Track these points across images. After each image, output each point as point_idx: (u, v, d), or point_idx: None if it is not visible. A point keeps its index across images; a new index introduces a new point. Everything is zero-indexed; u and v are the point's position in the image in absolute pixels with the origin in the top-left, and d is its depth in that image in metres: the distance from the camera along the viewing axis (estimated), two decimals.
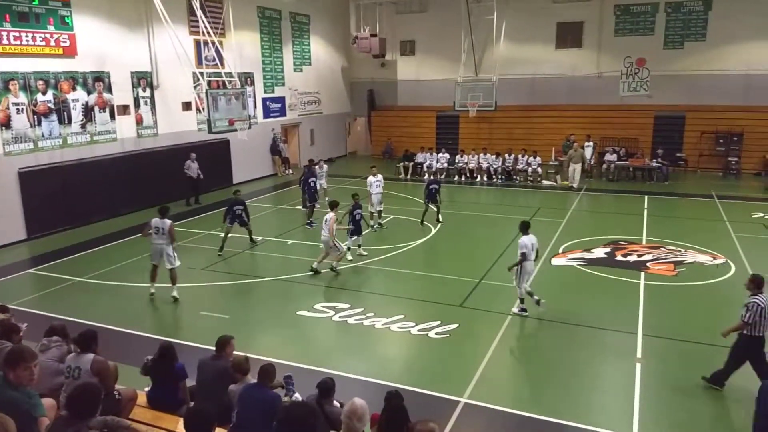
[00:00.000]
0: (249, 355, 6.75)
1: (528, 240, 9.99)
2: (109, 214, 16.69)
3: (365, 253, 13.47)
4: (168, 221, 11.03)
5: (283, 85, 25.39)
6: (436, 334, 9.29)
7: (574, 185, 21.20)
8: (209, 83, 18.42)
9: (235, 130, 18.11)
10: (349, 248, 13.11)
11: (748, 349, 7.18)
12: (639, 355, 8.60)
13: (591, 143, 23.56)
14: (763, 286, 7.20)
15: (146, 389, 6.44)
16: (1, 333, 5.96)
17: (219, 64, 19.69)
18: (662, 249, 13.70)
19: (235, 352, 6.39)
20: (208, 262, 13.27)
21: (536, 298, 10.04)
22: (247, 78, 22.61)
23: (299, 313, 10.27)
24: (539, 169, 22.73)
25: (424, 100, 29.04)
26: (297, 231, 15.92)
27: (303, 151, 27.02)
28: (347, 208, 13.36)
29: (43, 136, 15.35)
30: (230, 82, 18.83)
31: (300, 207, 16.53)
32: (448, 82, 26.59)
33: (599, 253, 13.53)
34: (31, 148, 15.09)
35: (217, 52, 19.49)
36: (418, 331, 9.40)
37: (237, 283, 12.09)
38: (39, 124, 15.24)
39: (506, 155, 23.41)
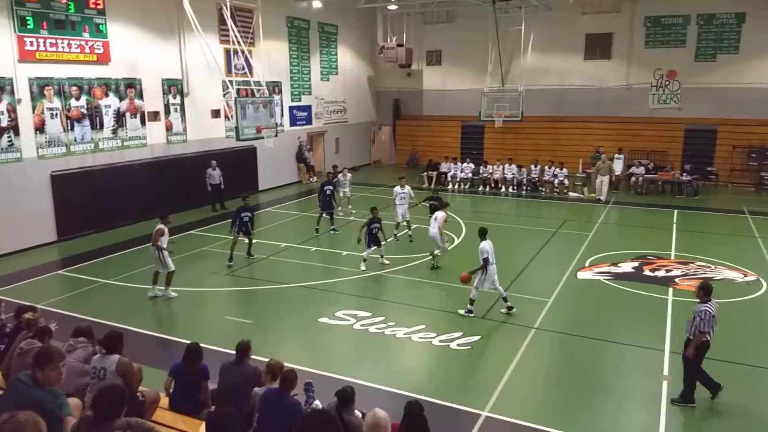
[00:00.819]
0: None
1: (488, 245, 10.38)
2: (138, 218, 16.97)
3: (387, 262, 13.44)
4: (157, 226, 11.20)
5: (310, 93, 25.63)
6: (457, 345, 9.21)
7: (602, 198, 20.91)
8: (238, 91, 18.68)
9: (263, 137, 18.31)
10: (364, 259, 13.10)
11: (703, 352, 7.30)
12: (666, 372, 8.41)
13: (621, 156, 23.23)
14: (711, 294, 7.33)
15: (171, 391, 6.52)
16: (33, 334, 6.10)
17: (248, 72, 19.96)
18: (691, 265, 13.40)
19: (270, 358, 6.42)
20: (233, 266, 13.39)
21: (509, 305, 10.40)
22: (275, 87, 22.89)
23: (320, 320, 10.30)
24: (566, 181, 22.48)
25: (450, 110, 29.01)
26: (320, 238, 15.98)
27: (328, 159, 27.18)
28: (366, 221, 13.35)
29: (75, 140, 15.74)
30: (258, 90, 19.07)
31: (325, 214, 16.59)
32: (474, 92, 26.52)
33: (626, 267, 13.29)
34: (64, 152, 15.48)
35: (247, 60, 19.78)
36: (440, 341, 9.33)
37: (260, 288, 12.18)
38: (72, 128, 15.63)
39: (532, 166, 23.22)
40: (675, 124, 24.59)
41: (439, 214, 13.17)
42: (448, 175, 24.35)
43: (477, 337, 9.45)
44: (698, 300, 7.37)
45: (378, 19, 29.29)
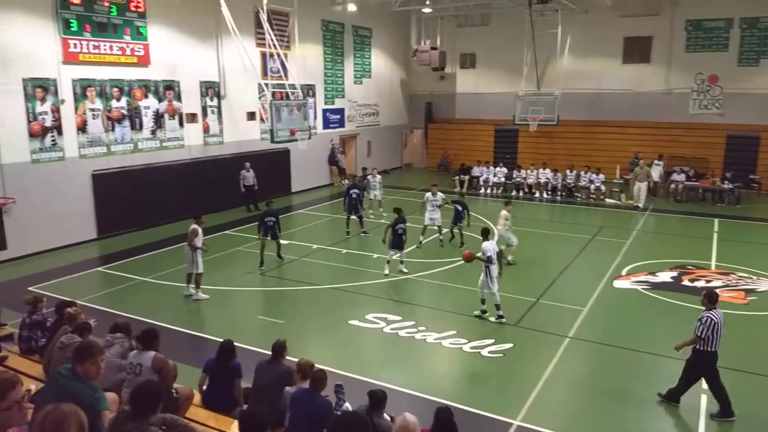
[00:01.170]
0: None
1: (491, 245, 10.36)
2: (175, 217, 17.27)
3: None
4: (191, 227, 11.34)
5: (343, 96, 25.77)
6: (489, 352, 9.09)
7: (640, 205, 20.42)
8: (273, 94, 18.89)
9: (296, 140, 18.47)
10: (388, 261, 13.03)
11: (700, 364, 7.27)
12: (705, 386, 8.12)
13: (660, 162, 22.68)
14: (717, 302, 7.30)
15: (204, 388, 6.61)
16: (73, 329, 6.26)
17: (283, 75, 20.17)
18: (732, 275, 12.97)
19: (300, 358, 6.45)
20: (265, 267, 13.52)
21: (484, 308, 10.39)
22: (309, 89, 23.08)
23: (351, 322, 10.31)
24: (602, 187, 22.05)
25: (483, 113, 28.78)
26: (351, 240, 16.02)
27: (360, 161, 27.25)
28: (391, 222, 13.24)
29: (115, 140, 16.15)
30: (293, 93, 19.26)
31: (353, 216, 16.62)
32: (508, 95, 26.26)
33: (665, 277, 12.94)
34: (105, 151, 15.90)
35: (282, 64, 19.98)
36: (471, 348, 9.23)
37: (291, 289, 12.27)
38: (113, 129, 16.04)
39: (567, 171, 22.85)
40: (716, 131, 23.88)
41: (502, 213, 14.03)
42: (480, 179, 24.15)
43: (509, 345, 9.31)
44: (704, 308, 7.33)
45: (412, 22, 29.28)
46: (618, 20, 25.22)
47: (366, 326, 10.14)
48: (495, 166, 24.57)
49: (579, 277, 12.84)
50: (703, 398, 7.77)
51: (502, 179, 23.82)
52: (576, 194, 22.45)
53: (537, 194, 22.89)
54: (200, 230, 11.40)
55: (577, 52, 25.44)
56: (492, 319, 10.30)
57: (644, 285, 12.40)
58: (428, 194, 15.59)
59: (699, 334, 7.15)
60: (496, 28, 27.89)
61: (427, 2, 24.52)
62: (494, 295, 10.26)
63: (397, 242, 12.85)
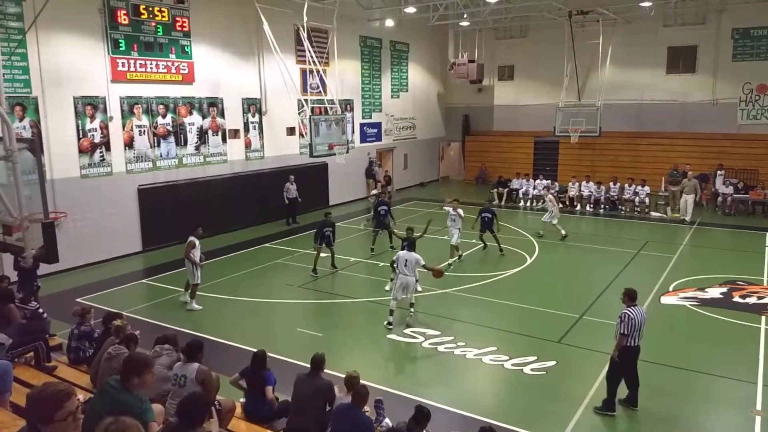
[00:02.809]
0: (338, 374, 6.82)
1: (404, 255, 10.67)
2: (218, 230, 17.65)
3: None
4: (189, 239, 11.60)
5: (380, 110, 25.94)
6: (531, 370, 8.89)
7: (686, 218, 19.78)
8: (312, 109, 19.19)
9: (334, 154, 18.68)
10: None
11: (624, 358, 7.46)
12: (759, 407, 7.76)
13: (723, 172, 22.05)
14: (636, 298, 7.58)
15: (241, 400, 6.67)
16: (120, 340, 6.41)
17: (322, 91, 20.48)
18: None
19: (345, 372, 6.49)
20: (304, 279, 13.64)
21: (413, 311, 10.65)
22: (347, 104, 23.33)
23: (389, 336, 10.26)
24: (647, 200, 21.46)
25: (522, 126, 28.50)
26: (387, 253, 15.98)
27: (396, 175, 27.31)
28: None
29: (161, 156, 16.62)
30: (331, 108, 19.51)
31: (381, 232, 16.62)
32: (548, 107, 25.95)
33: (714, 293, 12.45)
34: (150, 167, 16.38)
35: (321, 79, 20.30)
36: (512, 365, 9.04)
37: (330, 302, 12.31)
38: (158, 145, 16.53)
39: (611, 184, 22.36)
40: (766, 141, 23.00)
41: (548, 197, 17.17)
42: (520, 192, 23.84)
43: (552, 363, 9.08)
44: (624, 305, 7.56)
45: (449, 35, 29.32)
46: (661, 30, 24.70)
47: (404, 340, 10.07)
48: (535, 179, 24.22)
49: None
50: (758, 420, 7.41)
51: (542, 192, 23.40)
52: (620, 207, 21.92)
53: (578, 207, 22.43)
54: (197, 242, 11.64)
55: (619, 62, 24.99)
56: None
57: (693, 301, 11.96)
58: (448, 208, 15.19)
59: (622, 332, 7.37)
60: (535, 40, 27.66)
61: (465, 16, 24.55)
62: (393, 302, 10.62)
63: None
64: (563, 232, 17.20)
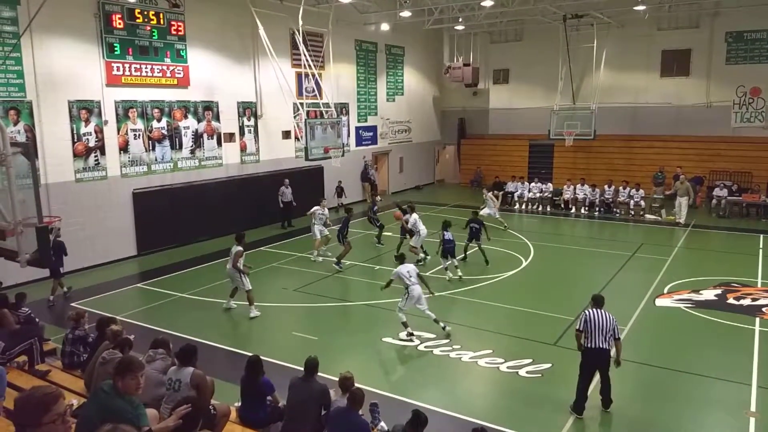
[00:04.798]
0: (333, 378, 6.82)
1: (404, 269, 10.32)
2: (213, 234, 17.63)
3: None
4: (235, 248, 11.49)
5: (376, 114, 25.98)
6: (527, 372, 8.90)
7: (681, 220, 19.86)
8: (308, 113, 19.21)
9: (330, 157, 18.69)
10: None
11: (586, 359, 7.58)
12: (753, 408, 7.79)
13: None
14: (602, 305, 7.71)
15: (236, 404, 6.65)
16: (115, 344, 6.39)
17: (317, 94, 20.51)
18: None
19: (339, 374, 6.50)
20: (299, 283, 13.62)
21: (442, 324, 10.27)
22: (342, 108, 23.36)
23: (384, 339, 10.26)
24: (642, 203, 21.54)
25: (517, 129, 28.60)
26: (384, 257, 16.00)
27: (392, 178, 27.37)
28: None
29: (156, 160, 16.60)
30: (327, 112, 19.53)
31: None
32: (543, 110, 26.04)
33: (708, 295, 12.50)
34: (145, 170, 16.35)
35: (317, 83, 20.33)
36: (508, 368, 9.05)
37: (325, 305, 12.30)
38: (153, 149, 16.50)
39: (606, 186, 22.44)
40: (760, 144, 23.14)
41: (488, 195, 19.38)
42: (515, 195, 23.88)
43: (548, 365, 9.10)
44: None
45: (444, 39, 29.42)
46: (655, 33, 24.85)
47: (400, 344, 10.07)
48: (530, 182, 24.28)
49: (619, 295, 12.49)
50: (752, 421, 7.44)
51: (537, 195, 23.49)
52: (615, 210, 22.00)
53: (573, 210, 22.49)
54: (242, 251, 11.58)
55: (613, 65, 25.14)
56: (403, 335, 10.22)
57: (687, 303, 12.00)
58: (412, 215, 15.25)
59: (577, 327, 7.66)
60: (530, 44, 27.78)
61: (460, 20, 24.63)
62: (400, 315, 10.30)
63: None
64: (505, 224, 19.07)
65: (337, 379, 6.53)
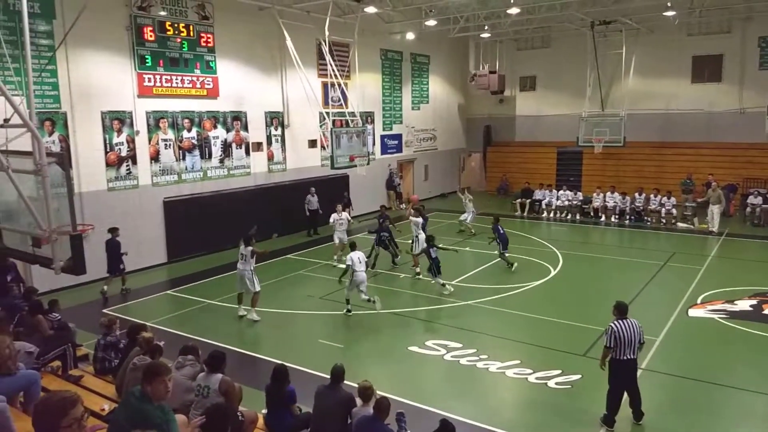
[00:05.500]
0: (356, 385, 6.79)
1: (355, 255, 11.88)
2: (240, 242, 17.77)
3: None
4: (249, 248, 11.75)
5: (401, 122, 26.04)
6: (556, 384, 8.75)
7: (714, 229, 19.37)
8: (333, 122, 19.35)
9: (355, 165, 18.78)
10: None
11: (616, 371, 7.36)
12: None
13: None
14: (626, 313, 7.44)
15: (263, 411, 6.68)
16: (145, 351, 6.49)
17: (343, 104, 20.67)
18: None
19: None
20: (325, 290, 13.67)
21: (371, 299, 11.79)
22: (367, 117, 23.48)
23: (410, 348, 10.20)
24: (674, 211, 21.08)
25: (544, 136, 28.34)
26: (409, 265, 15.95)
27: (417, 186, 27.33)
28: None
29: (186, 169, 16.89)
30: (352, 120, 19.65)
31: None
32: (571, 117, 25.78)
33: (744, 305, 12.14)
34: (176, 179, 16.65)
35: (342, 92, 20.48)
36: (536, 379, 8.91)
37: (352, 313, 12.29)
38: (183, 158, 16.81)
39: (636, 194, 22.04)
40: None
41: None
42: (543, 202, 23.61)
43: (577, 376, 8.93)
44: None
45: (470, 47, 29.38)
46: (686, 39, 24.44)
47: (426, 353, 10.00)
48: (558, 190, 23.97)
49: (651, 305, 12.24)
50: None
51: (566, 203, 23.17)
52: (645, 218, 21.57)
53: (603, 218, 22.14)
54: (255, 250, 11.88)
55: (643, 72, 24.78)
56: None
57: (721, 314, 11.68)
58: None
59: (606, 344, 7.37)
60: (557, 50, 27.58)
61: (486, 27, 24.57)
62: (347, 292, 12.09)
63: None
64: (473, 231, 19.30)
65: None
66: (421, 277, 14.53)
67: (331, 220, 16.43)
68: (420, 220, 15.24)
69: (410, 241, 15.27)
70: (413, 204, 17.06)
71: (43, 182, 6.10)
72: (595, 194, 22.83)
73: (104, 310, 12.12)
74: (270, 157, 19.62)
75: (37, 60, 13.09)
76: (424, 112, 27.57)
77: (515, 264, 15.17)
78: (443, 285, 13.26)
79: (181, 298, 13.51)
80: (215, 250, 17.37)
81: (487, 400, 8.49)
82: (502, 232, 15.41)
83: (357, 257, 11.91)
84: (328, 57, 18.19)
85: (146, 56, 15.47)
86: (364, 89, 22.90)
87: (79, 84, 14.05)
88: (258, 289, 11.75)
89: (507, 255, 15.32)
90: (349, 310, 11.98)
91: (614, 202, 22.18)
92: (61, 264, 6.29)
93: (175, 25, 16.06)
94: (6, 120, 6.70)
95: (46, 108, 13.49)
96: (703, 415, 7.85)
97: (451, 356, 9.80)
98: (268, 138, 19.49)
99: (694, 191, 21.95)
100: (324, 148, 20.37)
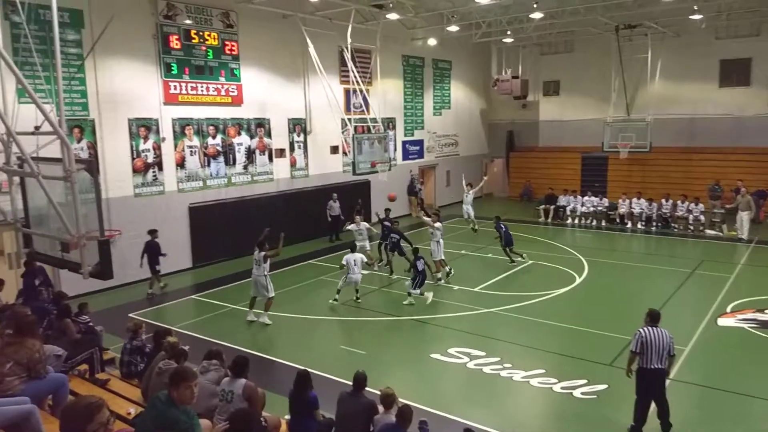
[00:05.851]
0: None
1: (350, 258, 12.96)
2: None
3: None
4: (262, 253, 11.93)
5: (423, 128, 26.01)
6: (582, 394, 8.60)
7: (743, 236, 18.91)
8: (355, 128, 19.43)
9: (377, 171, 18.81)
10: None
11: (643, 381, 7.21)
12: None
13: None
14: (658, 320, 7.29)
15: (286, 417, 6.69)
16: (170, 355, 6.55)
17: (365, 110, 20.73)
18: None
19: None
20: (348, 296, 13.65)
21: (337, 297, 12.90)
22: (389, 122, 23.50)
23: (433, 355, 10.13)
24: (701, 217, 20.64)
25: (568, 141, 28.03)
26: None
27: (439, 192, 27.23)
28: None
29: (211, 175, 17.09)
30: (374, 126, 19.69)
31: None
32: (596, 122, 25.47)
33: None
34: (201, 186, 16.85)
35: (364, 99, 20.55)
36: (561, 388, 8.77)
37: (373, 319, 12.28)
38: (208, 164, 17.01)
39: (663, 200, 21.64)
40: None
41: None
42: (567, 209, 23.32)
43: (603, 386, 8.77)
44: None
45: (492, 52, 29.27)
46: (713, 42, 23.97)
47: (449, 361, 9.93)
48: (583, 195, 23.65)
49: (679, 314, 11.97)
50: None
51: (591, 209, 22.84)
52: (672, 225, 21.17)
53: (629, 224, 21.78)
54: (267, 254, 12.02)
55: (669, 76, 24.38)
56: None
57: (752, 323, 11.37)
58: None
59: (633, 349, 7.24)
60: (581, 55, 27.30)
61: (509, 32, 24.45)
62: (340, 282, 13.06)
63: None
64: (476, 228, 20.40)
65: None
66: (441, 282, 14.46)
67: (351, 228, 16.40)
68: (440, 225, 15.05)
69: (429, 247, 15.11)
70: (391, 199, 17.81)
71: (72, 188, 6.20)
72: (620, 200, 22.48)
73: (130, 315, 12.28)
74: (292, 164, 19.75)
75: (67, 68, 13.34)
76: (445, 118, 27.50)
77: (524, 254, 16.07)
78: (422, 295, 13.06)
79: (205, 303, 13.64)
80: (239, 255, 17.44)
81: (511, 409, 8.39)
82: (504, 229, 16.17)
83: (352, 260, 12.92)
84: (350, 63, 18.29)
85: (172, 64, 15.72)
86: (386, 95, 22.95)
87: (106, 92, 14.33)
88: (272, 294, 11.88)
89: (512, 251, 16.14)
90: (336, 299, 13.01)
91: (640, 208, 21.82)
92: (89, 269, 6.38)
93: (201, 33, 16.30)
94: (37, 127, 6.85)
95: (75, 115, 13.77)
96: (732, 427, 7.65)
97: (474, 364, 9.71)
98: (291, 144, 19.64)
99: (723, 197, 21.47)
100: (346, 154, 20.45)
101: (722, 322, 11.56)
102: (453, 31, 23.21)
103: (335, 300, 13.00)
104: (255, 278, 11.89)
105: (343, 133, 20.37)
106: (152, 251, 13.96)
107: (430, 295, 13.00)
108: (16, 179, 7.94)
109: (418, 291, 13.04)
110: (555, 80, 28.73)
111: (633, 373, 7.40)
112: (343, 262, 13.05)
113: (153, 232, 14.06)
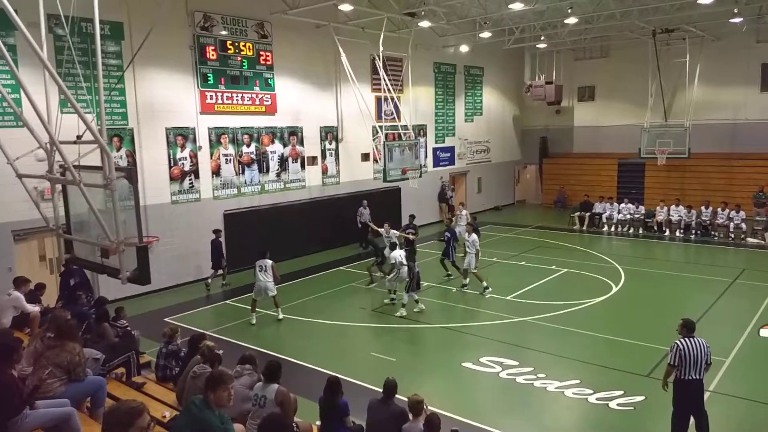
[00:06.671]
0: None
1: (397, 254, 13.11)
2: (297, 253, 18.14)
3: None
4: (269, 261, 12.44)
5: (454, 135, 25.90)
6: (618, 405, 8.39)
7: None
8: (386, 135, 19.49)
9: (407, 178, 18.82)
10: (404, 304, 12.85)
11: (680, 393, 7.04)
12: None
13: None
14: (694, 330, 7.14)
15: (317, 423, 6.71)
16: (206, 359, 6.66)
17: (396, 117, 20.79)
18: None
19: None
20: (378, 303, 13.69)
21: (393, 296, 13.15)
22: (420, 130, 23.50)
23: (464, 364, 10.03)
24: (743, 225, 19.98)
25: (604, 147, 27.52)
26: (458, 279, 15.76)
27: (470, 199, 27.04)
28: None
29: (245, 183, 17.37)
30: (405, 134, 19.72)
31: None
32: (632, 128, 24.94)
33: None
34: (235, 193, 17.14)
35: (395, 106, 20.62)
36: (597, 399, 8.58)
37: (404, 326, 12.25)
38: (243, 172, 17.29)
39: (702, 208, 21.04)
40: None
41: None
42: (603, 216, 22.85)
43: (641, 398, 8.55)
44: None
45: (525, 58, 29.02)
46: (754, 46, 23.28)
47: (480, 370, 9.82)
48: (619, 203, 23.15)
49: (720, 324, 11.60)
50: None
51: (628, 216, 22.33)
52: (713, 233, 20.55)
53: (667, 232, 21.23)
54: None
55: (708, 80, 23.74)
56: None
57: None
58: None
59: (671, 362, 7.06)
60: (617, 60, 26.84)
61: (542, 38, 24.22)
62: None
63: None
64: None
65: None
66: (467, 289, 14.37)
67: (380, 231, 16.48)
68: (475, 238, 14.81)
69: (463, 255, 14.94)
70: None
71: (112, 196, 6.37)
72: (658, 207, 21.94)
73: (166, 319, 12.53)
74: (324, 171, 19.92)
75: (107, 79, 13.78)
76: (477, 124, 27.34)
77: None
78: (416, 301, 12.97)
79: (239, 308, 13.81)
80: (273, 261, 17.64)
81: (545, 420, 8.24)
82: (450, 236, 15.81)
83: (398, 255, 13.06)
84: (381, 72, 18.38)
85: (208, 74, 16.06)
86: (417, 102, 22.98)
87: (145, 102, 14.72)
88: (275, 292, 12.53)
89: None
90: (392, 300, 13.27)
91: (679, 215, 21.26)
92: (127, 274, 6.54)
93: (236, 44, 16.62)
94: (79, 137, 7.07)
95: (115, 125, 14.17)
96: None
97: (507, 374, 9.58)
98: (323, 152, 19.82)
99: (767, 205, 20.75)
100: (377, 162, 20.52)
101: (765, 333, 11.14)
102: (485, 38, 23.10)
103: (391, 301, 13.32)
104: (264, 284, 12.44)
105: (374, 140, 20.46)
106: (216, 249, 15.10)
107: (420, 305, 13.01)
108: (59, 187, 8.21)
109: (415, 295, 13.00)
110: (590, 85, 28.29)
111: (669, 385, 7.18)
112: (391, 261, 13.27)
113: (217, 232, 15.10)
